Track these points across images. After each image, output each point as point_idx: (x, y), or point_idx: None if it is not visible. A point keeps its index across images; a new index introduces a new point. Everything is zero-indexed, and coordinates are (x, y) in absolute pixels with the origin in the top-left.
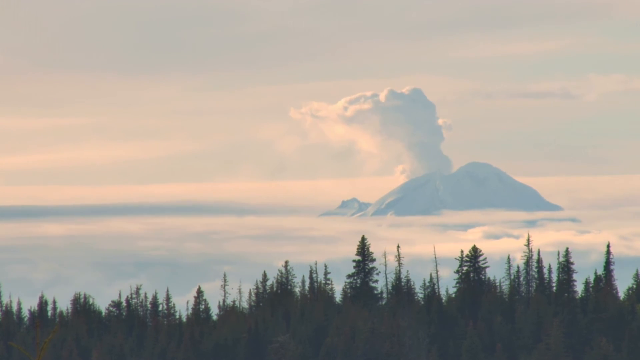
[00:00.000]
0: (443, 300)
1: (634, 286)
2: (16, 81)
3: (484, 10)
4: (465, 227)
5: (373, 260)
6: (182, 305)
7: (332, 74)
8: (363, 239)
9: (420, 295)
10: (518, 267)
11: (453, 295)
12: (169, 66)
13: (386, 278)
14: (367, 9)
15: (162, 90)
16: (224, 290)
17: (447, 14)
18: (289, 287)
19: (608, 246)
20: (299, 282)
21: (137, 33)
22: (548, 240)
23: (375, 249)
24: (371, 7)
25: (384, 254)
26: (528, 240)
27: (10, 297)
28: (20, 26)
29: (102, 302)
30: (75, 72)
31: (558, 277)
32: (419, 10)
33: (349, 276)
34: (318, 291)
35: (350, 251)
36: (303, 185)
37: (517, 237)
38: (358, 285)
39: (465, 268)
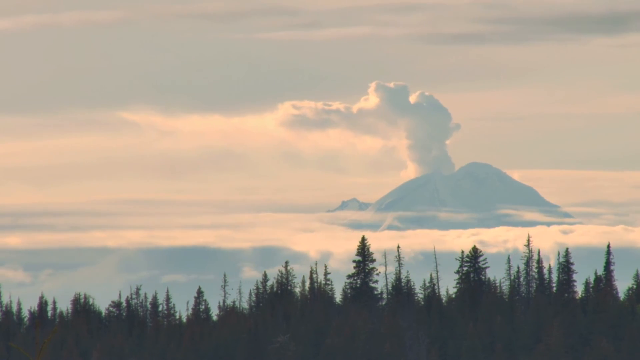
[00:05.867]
0: (443, 301)
1: (634, 286)
2: None
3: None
4: (465, 227)
5: (373, 260)
6: (182, 305)
7: (335, 72)
8: (363, 239)
9: (420, 296)
10: (518, 267)
11: (453, 296)
12: None
13: (386, 278)
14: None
15: None
16: (224, 291)
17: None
18: (289, 287)
19: (608, 246)
20: (299, 282)
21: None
22: (548, 240)
23: (375, 249)
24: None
25: (384, 254)
26: (528, 240)
27: (10, 297)
28: None
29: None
30: None
31: (558, 277)
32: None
33: (349, 276)
34: (318, 292)
35: (350, 251)
36: (304, 185)
37: (516, 237)
38: (358, 285)
39: (465, 268)
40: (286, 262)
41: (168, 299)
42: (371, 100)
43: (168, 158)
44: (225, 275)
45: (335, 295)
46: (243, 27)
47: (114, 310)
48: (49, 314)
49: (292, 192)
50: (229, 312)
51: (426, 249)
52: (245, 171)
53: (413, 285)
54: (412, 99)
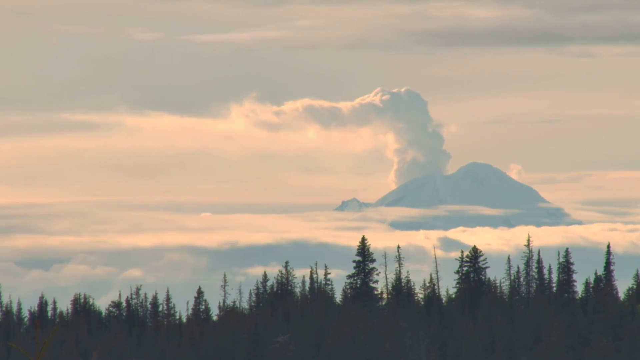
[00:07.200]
0: (443, 301)
1: (634, 286)
2: None
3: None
4: (465, 227)
5: (373, 260)
6: (182, 305)
7: (336, 74)
8: (363, 239)
9: (420, 296)
10: (518, 267)
11: (453, 296)
12: None
13: (386, 278)
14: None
15: None
16: (224, 291)
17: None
18: (289, 287)
19: (608, 246)
20: (299, 282)
21: None
22: (548, 240)
23: (375, 249)
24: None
25: (384, 255)
26: (528, 240)
27: (10, 297)
28: None
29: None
30: None
31: (558, 277)
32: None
33: (349, 277)
34: (318, 292)
35: (350, 251)
36: (304, 185)
37: (517, 237)
38: (358, 285)
39: (465, 268)
40: (286, 262)
41: (168, 299)
42: (374, 99)
43: (138, 158)
44: (225, 275)
45: (335, 296)
46: (185, 31)
47: (114, 310)
48: (49, 314)
49: (289, 193)
50: (229, 312)
51: (426, 249)
52: (229, 174)
53: (413, 286)
54: (414, 98)
